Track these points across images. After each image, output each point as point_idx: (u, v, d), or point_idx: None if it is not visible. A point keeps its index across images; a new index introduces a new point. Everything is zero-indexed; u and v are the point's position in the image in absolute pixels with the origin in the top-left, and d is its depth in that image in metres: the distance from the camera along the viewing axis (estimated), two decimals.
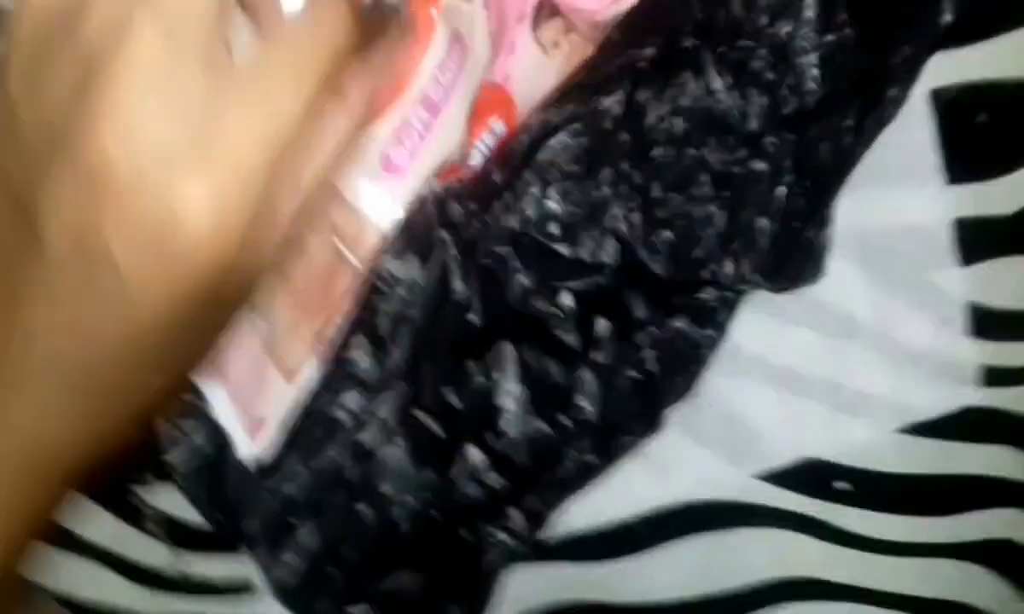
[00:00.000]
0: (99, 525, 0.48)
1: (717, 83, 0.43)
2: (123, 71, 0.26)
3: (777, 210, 0.44)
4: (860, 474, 0.49)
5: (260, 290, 0.37)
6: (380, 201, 0.36)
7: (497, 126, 0.39)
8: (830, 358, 0.48)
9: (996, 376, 0.49)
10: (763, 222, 0.44)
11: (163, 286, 0.27)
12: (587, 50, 0.41)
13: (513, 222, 0.43)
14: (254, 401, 0.39)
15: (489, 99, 0.39)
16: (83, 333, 0.27)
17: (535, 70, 0.40)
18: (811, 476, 0.49)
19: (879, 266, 0.48)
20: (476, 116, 0.39)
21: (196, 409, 0.42)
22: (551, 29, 0.40)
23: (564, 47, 0.40)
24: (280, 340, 0.38)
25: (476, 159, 0.39)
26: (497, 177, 0.43)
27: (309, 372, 0.40)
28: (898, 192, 0.48)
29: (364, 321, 0.43)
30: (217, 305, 0.29)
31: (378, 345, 0.43)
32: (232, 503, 0.43)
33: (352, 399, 0.43)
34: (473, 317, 0.43)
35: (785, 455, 0.49)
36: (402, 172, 0.36)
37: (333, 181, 0.34)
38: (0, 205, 0.28)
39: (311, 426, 0.43)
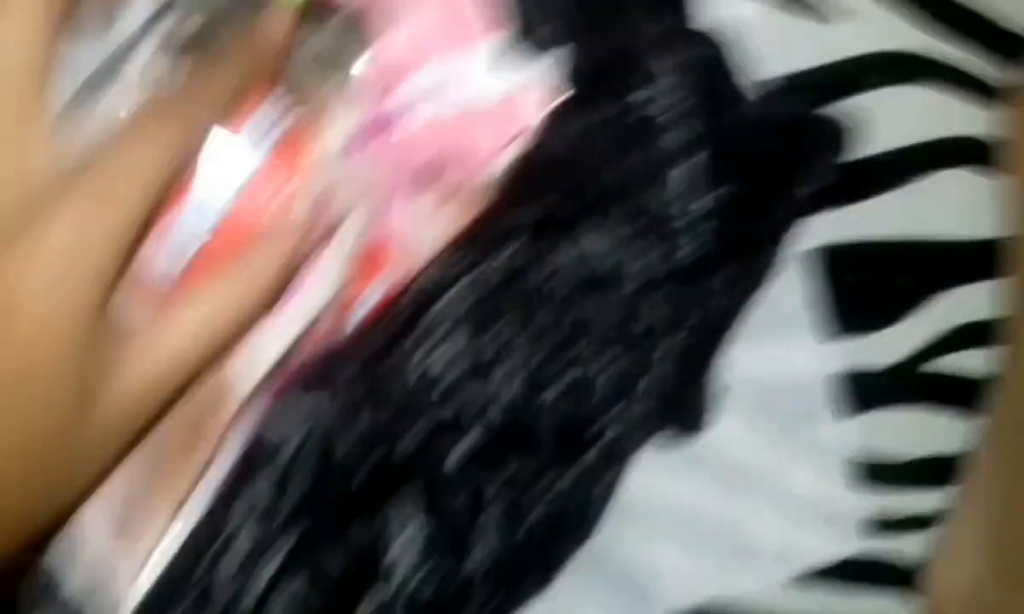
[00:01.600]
0: None
1: (595, 247, 0.44)
2: None
3: (659, 371, 0.45)
4: None
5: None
6: (244, 362, 0.36)
7: (379, 286, 0.40)
8: (722, 507, 0.49)
9: (878, 526, 0.51)
10: (646, 383, 0.45)
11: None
12: (472, 210, 0.42)
13: (398, 386, 0.44)
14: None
15: (371, 261, 0.39)
16: None
17: (420, 230, 0.41)
18: None
19: (765, 417, 0.49)
20: (357, 275, 0.39)
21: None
22: (435, 191, 0.41)
23: (449, 208, 0.41)
24: (135, 510, 0.37)
25: (357, 316, 0.39)
26: (379, 340, 0.44)
27: (168, 544, 0.39)
28: (779, 347, 0.49)
29: (247, 488, 0.43)
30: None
31: (262, 513, 0.42)
32: None
33: (229, 568, 0.42)
34: (358, 479, 0.43)
35: (682, 600, 0.49)
36: (268, 332, 0.36)
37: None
38: None
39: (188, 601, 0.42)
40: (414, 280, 0.43)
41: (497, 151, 0.38)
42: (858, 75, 0.49)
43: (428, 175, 0.40)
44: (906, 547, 0.51)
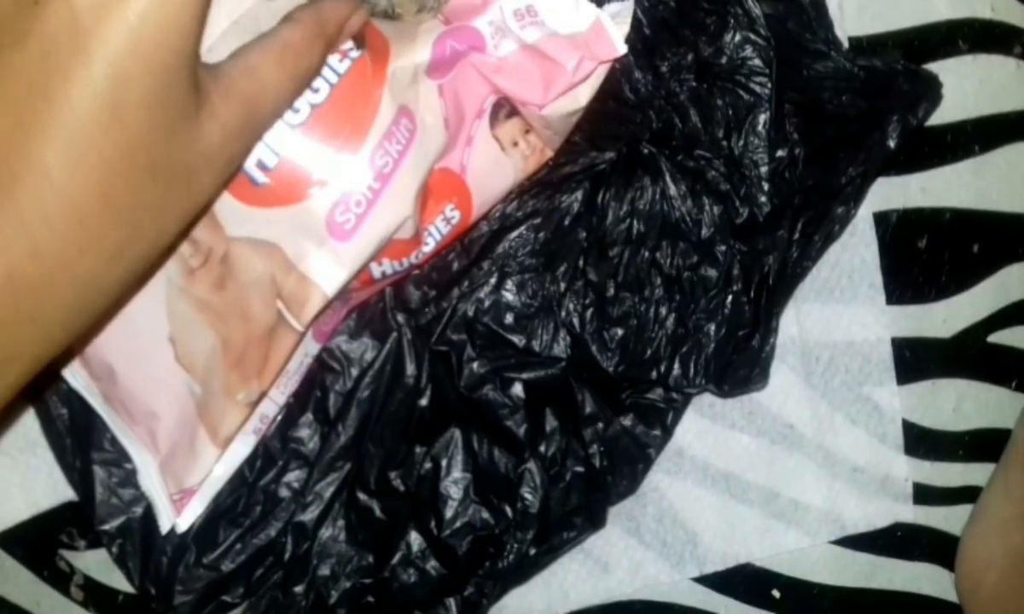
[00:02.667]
0: (19, 584, 0.47)
1: (673, 190, 0.44)
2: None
3: (725, 317, 0.45)
4: (793, 583, 0.50)
5: (198, 355, 0.37)
6: (325, 265, 0.36)
7: (452, 213, 0.39)
8: (768, 466, 0.49)
9: (927, 495, 0.51)
10: (711, 328, 0.45)
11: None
12: (545, 153, 0.42)
13: (469, 310, 0.44)
14: (184, 471, 0.39)
15: (445, 185, 0.39)
16: None
17: (492, 166, 0.40)
18: (746, 582, 0.50)
19: (820, 378, 0.49)
20: (430, 199, 0.39)
21: (135, 479, 0.42)
22: (509, 128, 0.40)
23: (522, 147, 0.41)
24: (214, 404, 0.38)
25: (429, 244, 0.39)
26: (455, 265, 0.44)
27: (244, 443, 0.40)
28: (841, 308, 0.49)
29: (314, 399, 0.43)
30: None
31: (326, 424, 0.43)
32: (166, 576, 0.42)
33: (296, 477, 0.43)
34: (423, 402, 0.43)
35: (721, 559, 0.49)
36: (348, 237, 0.35)
37: (277, 243, 0.35)
38: None
39: (253, 502, 0.43)
40: (488, 213, 0.43)
41: (582, 77, 0.38)
42: (951, 39, 0.49)
43: (506, 109, 0.40)
44: (952, 517, 0.51)
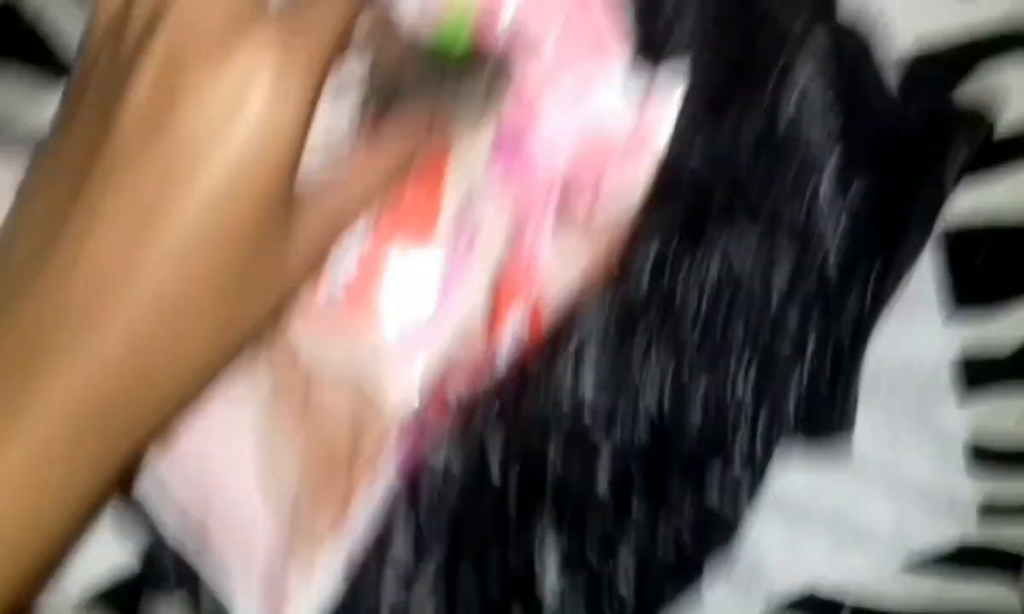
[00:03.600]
0: None
1: (741, 257, 0.44)
2: None
3: (803, 381, 0.45)
4: (861, 610, 0.51)
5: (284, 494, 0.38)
6: (399, 384, 0.38)
7: (520, 314, 0.40)
8: (834, 489, 0.49)
9: (992, 512, 0.51)
10: (791, 393, 0.45)
11: (226, 166, 0.29)
12: (612, 243, 0.41)
13: (547, 412, 0.43)
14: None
15: (512, 283, 0.40)
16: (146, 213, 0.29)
17: (562, 260, 0.41)
18: (814, 608, 0.50)
19: (882, 399, 0.49)
20: (499, 302, 0.39)
21: None
22: (576, 222, 0.41)
23: (590, 239, 0.41)
24: (300, 535, 0.38)
25: (502, 356, 0.40)
26: (531, 367, 0.43)
27: (333, 564, 0.40)
28: (901, 327, 0.48)
29: (403, 514, 0.43)
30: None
31: (418, 538, 0.43)
32: None
33: (392, 593, 0.43)
34: (511, 506, 0.44)
35: (789, 585, 0.49)
36: (420, 341, 0.37)
37: (353, 369, 0.37)
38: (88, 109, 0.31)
39: None
40: (562, 312, 0.43)
41: (628, 180, 0.38)
42: (995, 41, 0.47)
43: (564, 207, 0.40)
44: (1017, 533, 0.51)
